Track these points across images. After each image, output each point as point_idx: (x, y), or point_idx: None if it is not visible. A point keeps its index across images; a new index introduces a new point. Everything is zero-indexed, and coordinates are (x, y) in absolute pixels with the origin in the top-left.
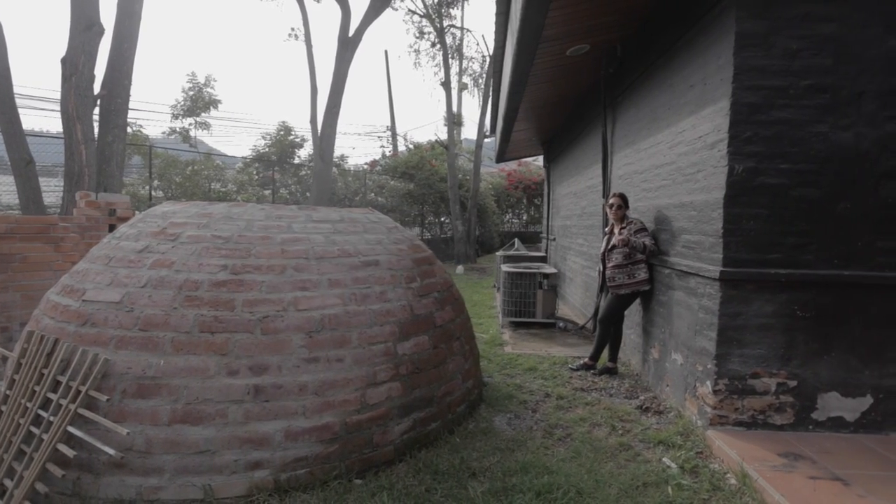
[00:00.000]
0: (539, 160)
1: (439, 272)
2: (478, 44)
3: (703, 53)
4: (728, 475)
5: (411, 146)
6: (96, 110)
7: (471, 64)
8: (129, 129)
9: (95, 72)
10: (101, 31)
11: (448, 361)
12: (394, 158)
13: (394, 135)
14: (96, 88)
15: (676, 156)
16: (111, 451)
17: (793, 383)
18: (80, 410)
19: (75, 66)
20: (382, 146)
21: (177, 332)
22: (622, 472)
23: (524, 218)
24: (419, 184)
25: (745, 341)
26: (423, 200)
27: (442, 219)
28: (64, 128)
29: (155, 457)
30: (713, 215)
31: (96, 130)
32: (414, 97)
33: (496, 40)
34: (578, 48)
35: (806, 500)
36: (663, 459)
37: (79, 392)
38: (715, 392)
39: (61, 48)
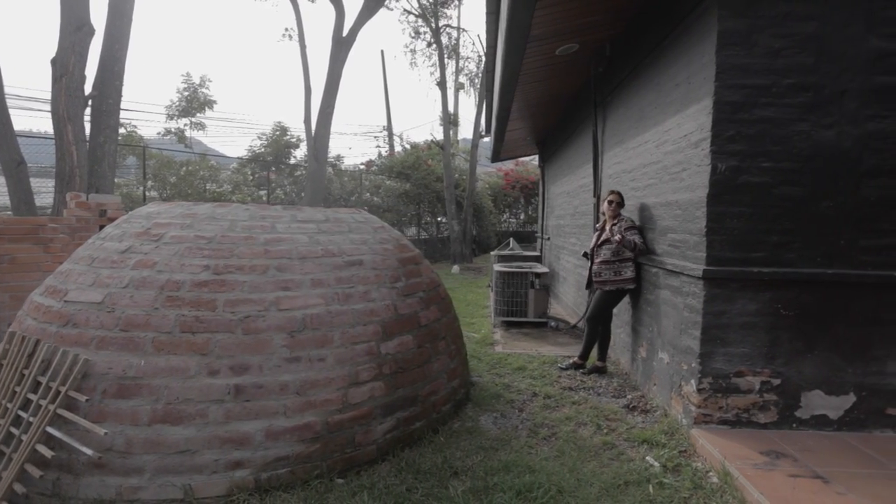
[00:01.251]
0: (536, 159)
1: (426, 272)
2: (473, 44)
3: (688, 52)
4: (710, 473)
5: (408, 146)
6: (88, 111)
7: (467, 64)
8: (123, 130)
9: (87, 72)
10: (91, 32)
11: (433, 361)
12: (390, 158)
13: (390, 135)
14: (87, 89)
15: (662, 154)
16: (89, 452)
17: (776, 382)
18: (60, 411)
19: (66, 67)
20: (378, 146)
21: (158, 333)
22: (604, 471)
23: (521, 217)
24: (415, 184)
25: (729, 340)
26: (419, 200)
27: (439, 219)
28: (54, 129)
29: (135, 457)
30: (697, 214)
31: (88, 131)
32: (410, 97)
33: (488, 40)
34: (567, 47)
35: (785, 499)
36: (646, 458)
37: (58, 393)
38: (699, 391)
39: (53, 48)
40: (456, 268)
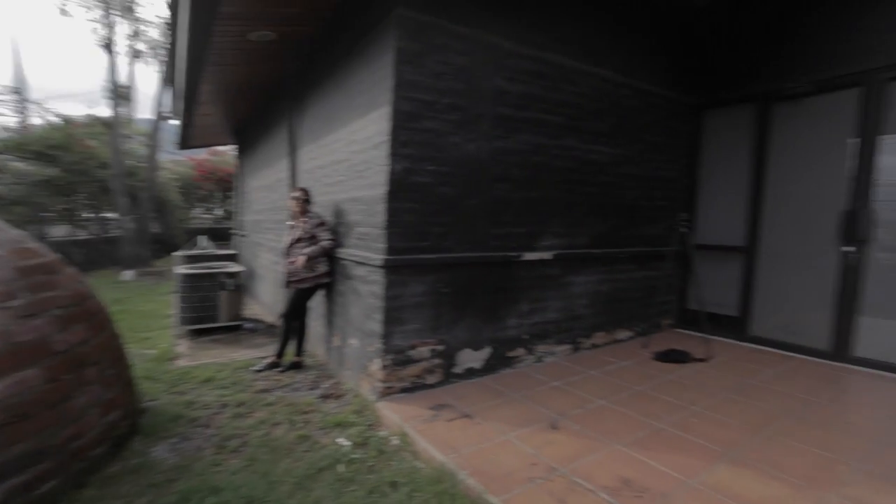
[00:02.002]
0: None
1: (66, 282)
2: (157, 7)
3: (373, 62)
4: (392, 437)
5: (56, 119)
6: None
7: (148, 28)
8: None
9: None
10: None
11: (76, 396)
12: (24, 133)
13: (23, 101)
14: None
15: (351, 153)
16: None
17: (441, 348)
18: None
19: None
20: (2, 114)
21: None
22: (298, 465)
23: (219, 213)
24: (67, 169)
25: (405, 319)
26: (72, 191)
27: (105, 214)
28: None
29: None
30: (378, 209)
31: None
32: (62, 55)
33: (171, 6)
34: (263, 35)
35: (444, 440)
36: (337, 440)
37: None
38: (384, 367)
39: None
40: (129, 273)
